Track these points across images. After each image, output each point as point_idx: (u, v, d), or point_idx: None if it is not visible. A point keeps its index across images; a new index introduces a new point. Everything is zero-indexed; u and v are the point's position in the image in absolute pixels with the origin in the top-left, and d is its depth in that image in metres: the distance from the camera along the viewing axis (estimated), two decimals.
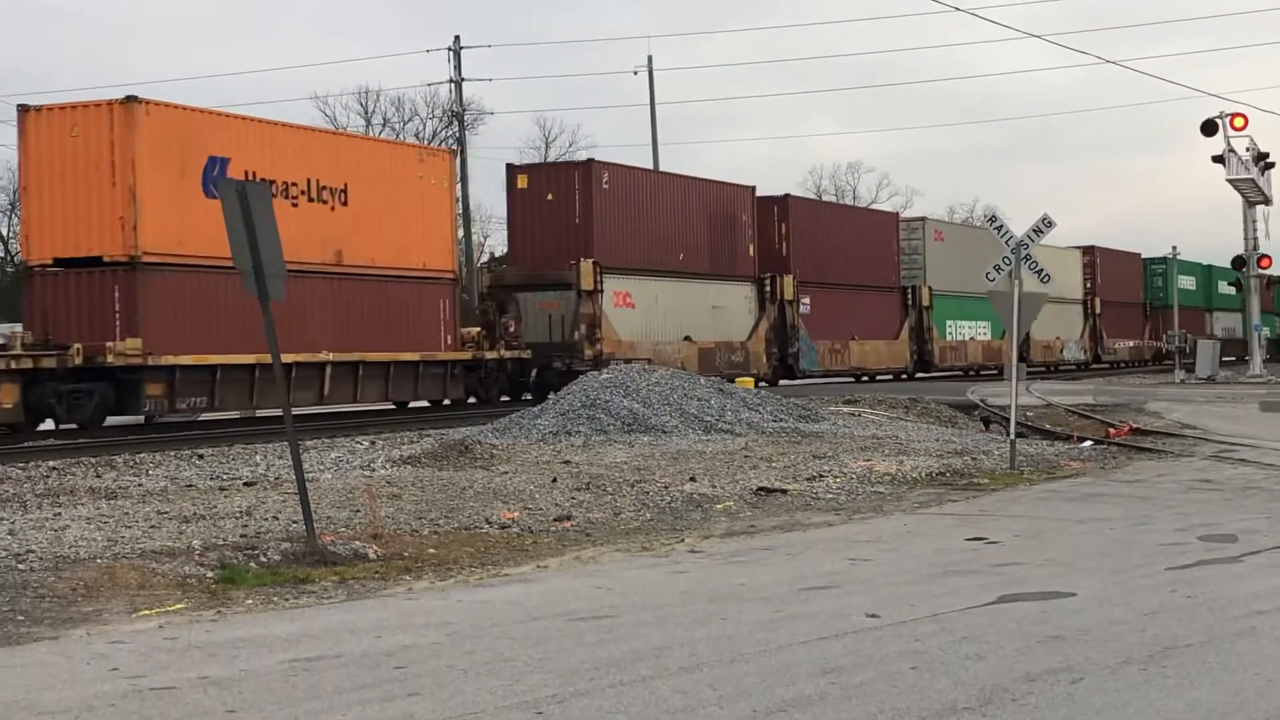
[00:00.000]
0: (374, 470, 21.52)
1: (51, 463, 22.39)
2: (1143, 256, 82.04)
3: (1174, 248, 71.08)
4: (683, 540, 15.39)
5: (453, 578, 13.15)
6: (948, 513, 17.63)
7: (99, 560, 13.22)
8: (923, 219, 64.54)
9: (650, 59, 69.74)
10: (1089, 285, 75.56)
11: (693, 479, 20.00)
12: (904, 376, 57.38)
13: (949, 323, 61.80)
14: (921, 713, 7.97)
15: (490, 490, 18.74)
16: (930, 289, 59.30)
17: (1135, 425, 30.42)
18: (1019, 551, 14.17)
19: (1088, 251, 76.31)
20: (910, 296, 57.54)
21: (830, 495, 19.18)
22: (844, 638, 9.98)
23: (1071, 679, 8.67)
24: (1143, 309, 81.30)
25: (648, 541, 15.31)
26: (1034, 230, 24.14)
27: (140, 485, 19.80)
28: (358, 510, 16.38)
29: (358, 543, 14.34)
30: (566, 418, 26.31)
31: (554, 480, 19.66)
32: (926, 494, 19.49)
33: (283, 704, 8.36)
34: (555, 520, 16.62)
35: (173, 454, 24.10)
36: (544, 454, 23.17)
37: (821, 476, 20.68)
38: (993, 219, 26.21)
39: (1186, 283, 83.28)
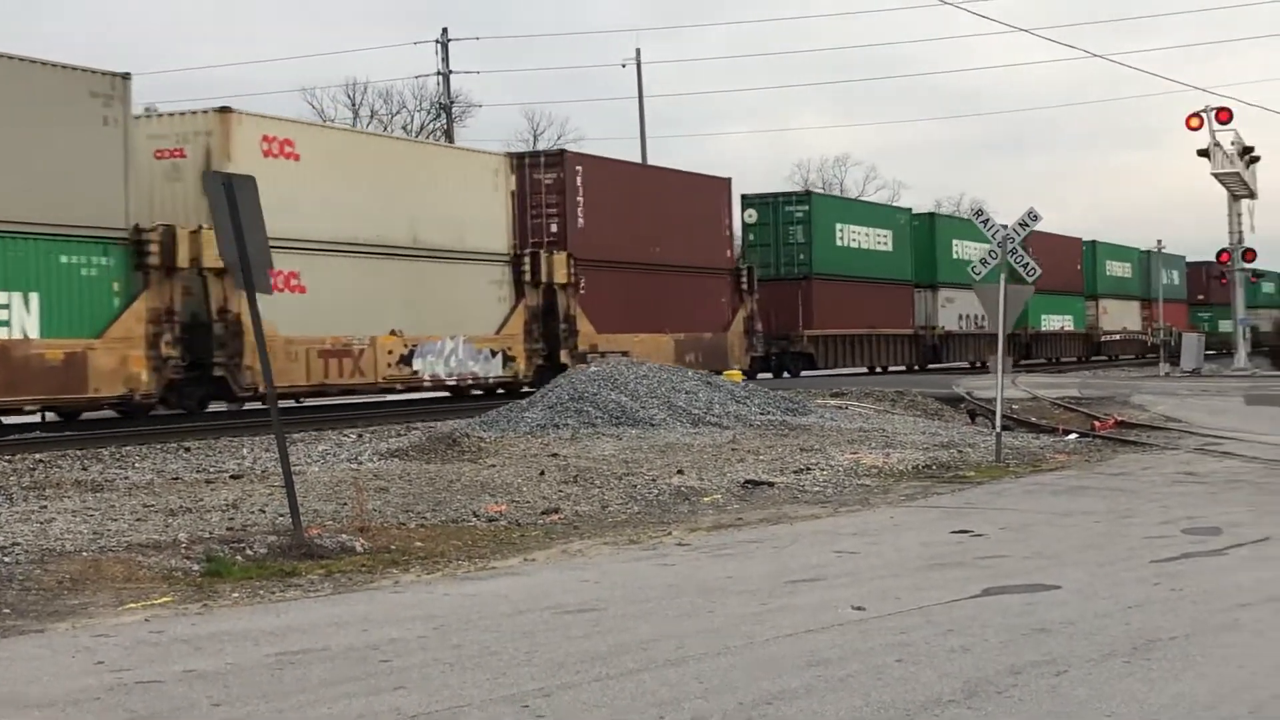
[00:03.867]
0: (361, 463, 21.53)
1: (38, 455, 22.36)
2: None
3: (1159, 241, 71.48)
4: (670, 533, 15.40)
5: (440, 571, 13.15)
6: (934, 505, 17.67)
7: (85, 553, 13.22)
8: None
9: (639, 52, 69.50)
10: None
11: (680, 472, 20.02)
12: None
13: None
14: (907, 705, 7.99)
15: (478, 483, 18.74)
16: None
17: (1120, 418, 30.48)
18: (1004, 544, 14.20)
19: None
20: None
21: (817, 488, 19.21)
22: (830, 630, 10.00)
23: (1056, 672, 8.70)
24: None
25: (635, 534, 15.32)
26: (1020, 224, 24.17)
27: (126, 478, 19.79)
28: (344, 503, 16.38)
29: (344, 536, 14.34)
30: (554, 411, 26.33)
31: (541, 473, 19.67)
32: (913, 487, 19.52)
33: (268, 697, 8.37)
34: (543, 513, 16.63)
35: (159, 447, 24.07)
36: (532, 447, 23.19)
37: (808, 469, 20.71)
38: (979, 212, 26.22)
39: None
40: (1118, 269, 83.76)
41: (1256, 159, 59.02)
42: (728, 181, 46.79)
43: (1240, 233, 58.76)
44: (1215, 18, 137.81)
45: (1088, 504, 17.45)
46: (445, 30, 71.97)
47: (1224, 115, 54.60)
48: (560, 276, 37.86)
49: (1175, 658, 9.07)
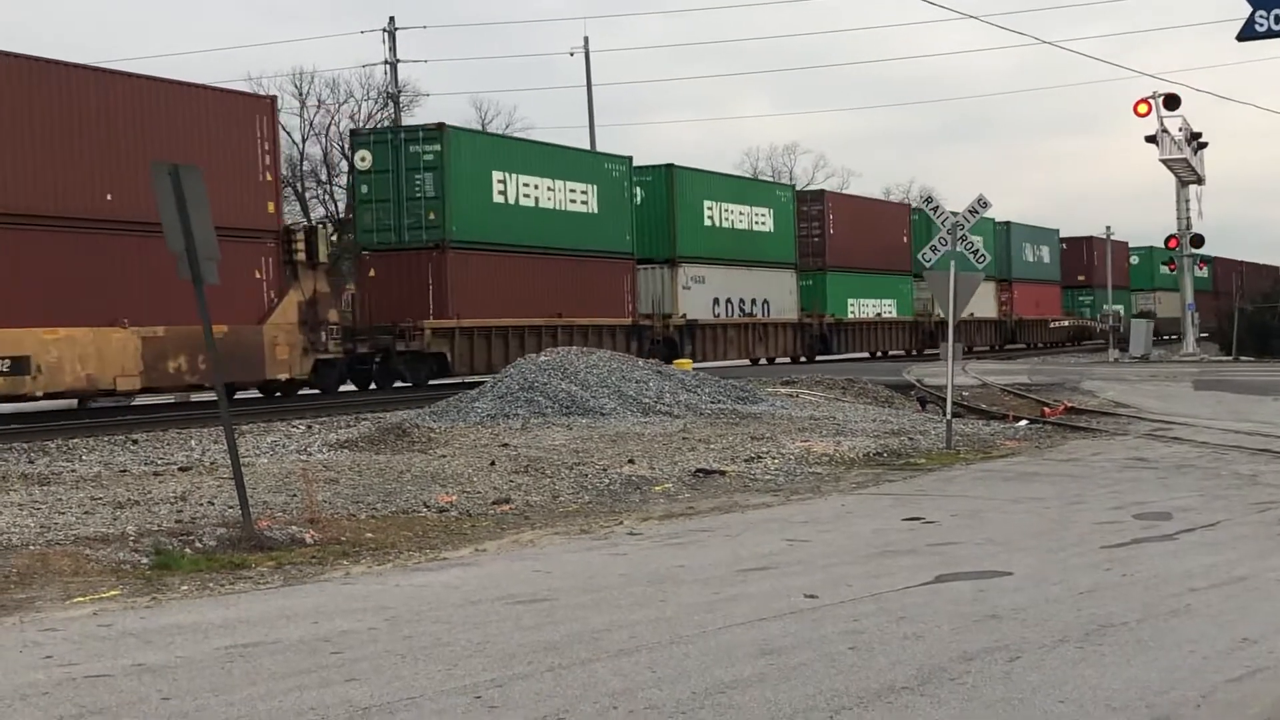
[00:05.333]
0: (310, 455, 21.42)
1: None
2: (911, 208, 68.28)
3: (1108, 228, 71.37)
4: (621, 523, 15.38)
5: (390, 562, 13.09)
6: (885, 493, 17.70)
7: (31, 547, 13.09)
8: None
9: (586, 40, 69.38)
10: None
11: (631, 461, 20.00)
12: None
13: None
14: (860, 693, 7.99)
15: (428, 474, 18.68)
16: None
17: (1070, 404, 30.63)
18: (956, 531, 14.24)
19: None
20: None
21: (768, 476, 19.21)
22: (783, 619, 9.99)
23: (1008, 658, 8.71)
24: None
25: (586, 524, 15.30)
26: (970, 211, 24.25)
27: (74, 471, 19.63)
28: (294, 495, 16.30)
29: (294, 527, 14.26)
30: (505, 400, 26.27)
31: (492, 463, 19.62)
32: (864, 474, 19.55)
33: (219, 691, 8.30)
34: (493, 503, 16.58)
35: (106, 439, 23.92)
36: (482, 437, 23.12)
37: (760, 458, 20.72)
38: (929, 200, 26.32)
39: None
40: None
41: (1204, 145, 59.41)
42: (266, 101, 34.01)
43: (1188, 218, 59.17)
44: (1165, 3, 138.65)
45: (1038, 490, 17.51)
46: (392, 19, 71.68)
47: (1173, 102, 54.87)
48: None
49: (1127, 643, 9.10)
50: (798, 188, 65.43)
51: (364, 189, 39.26)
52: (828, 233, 59.07)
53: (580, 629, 9.79)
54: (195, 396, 34.31)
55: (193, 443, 23.41)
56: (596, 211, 44.35)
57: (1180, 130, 56.22)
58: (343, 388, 37.33)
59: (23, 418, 28.58)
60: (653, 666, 8.65)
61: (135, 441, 23.55)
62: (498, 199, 40.26)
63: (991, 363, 53.18)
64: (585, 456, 20.46)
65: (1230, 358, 54.74)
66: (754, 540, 13.91)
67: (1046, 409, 29.92)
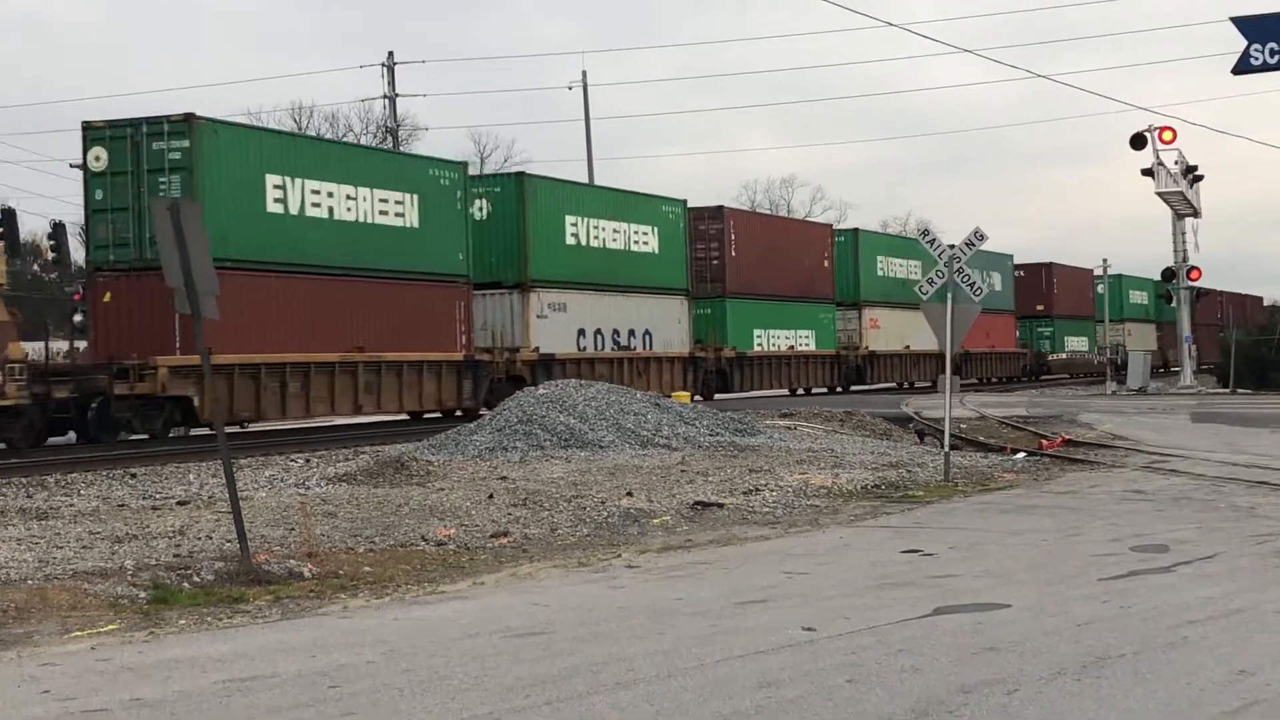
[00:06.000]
0: (309, 488, 21.41)
1: None
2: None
3: (1104, 260, 71.40)
4: (620, 555, 15.37)
5: (389, 595, 13.08)
6: (883, 525, 17.69)
7: (30, 582, 13.09)
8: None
9: (585, 74, 69.50)
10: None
11: (629, 494, 19.99)
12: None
13: None
14: None
15: (426, 507, 18.67)
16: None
17: (1068, 437, 30.63)
18: (954, 563, 14.23)
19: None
20: None
21: (767, 509, 19.20)
22: (781, 651, 9.99)
23: (1006, 690, 8.71)
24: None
25: (585, 557, 15.28)
26: (966, 243, 24.28)
27: (72, 505, 19.62)
28: (292, 529, 16.29)
29: (292, 561, 14.26)
30: (503, 434, 26.28)
31: (491, 496, 19.61)
32: (862, 507, 19.54)
33: None
34: (492, 536, 16.57)
35: (105, 473, 23.91)
36: (480, 470, 23.13)
37: (758, 490, 20.71)
38: (925, 232, 26.35)
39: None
40: (897, 268, 65.81)
41: (1200, 178, 59.48)
42: None
43: (1184, 251, 59.20)
44: (1160, 37, 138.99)
45: (1036, 522, 17.50)
46: (391, 54, 71.82)
47: (1168, 135, 54.95)
48: None
49: (1125, 675, 9.10)
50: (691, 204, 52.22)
51: (98, 194, 32.30)
52: (729, 255, 52.60)
53: (578, 662, 9.79)
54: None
55: (190, 477, 23.41)
56: (417, 226, 37.30)
57: (1176, 163, 56.29)
58: (54, 440, 30.73)
59: (20, 453, 28.54)
60: (651, 700, 8.65)
61: (134, 476, 23.55)
62: (274, 208, 33.37)
63: (989, 395, 53.13)
64: (583, 489, 20.46)
65: (1228, 390, 54.73)
66: (752, 573, 13.90)
67: (1044, 441, 29.93)
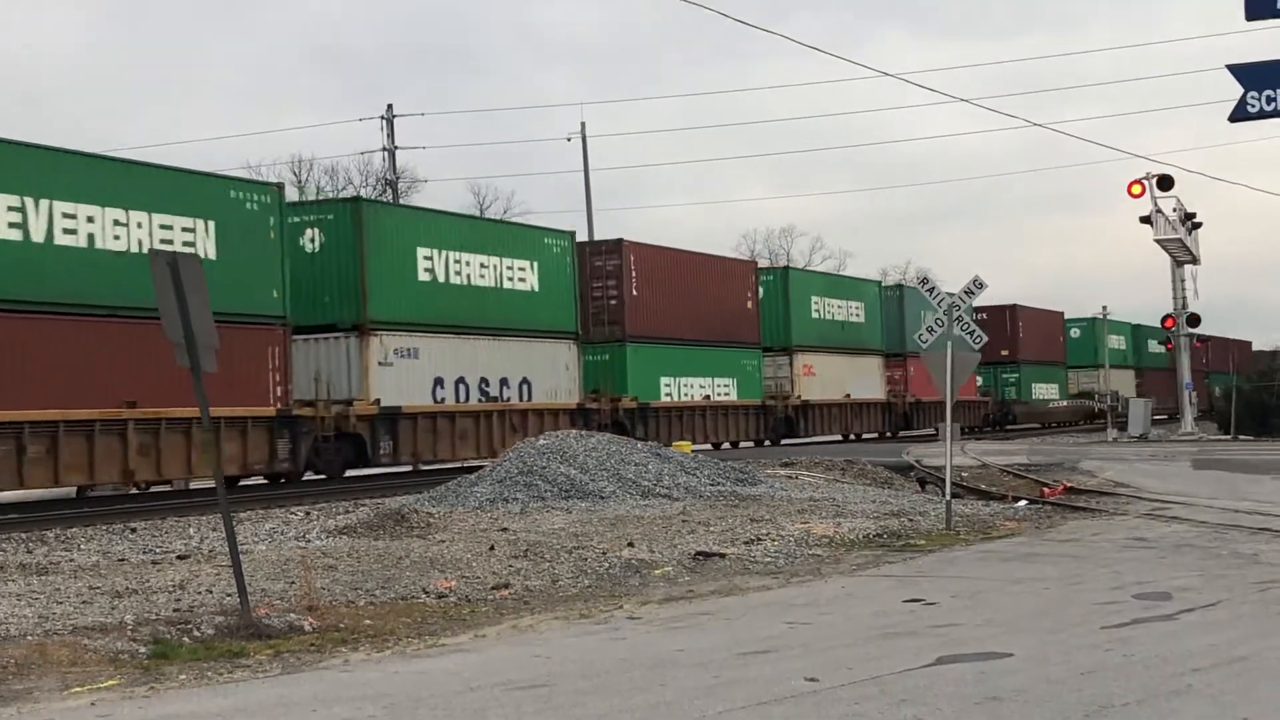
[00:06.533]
0: (309, 541, 21.37)
1: None
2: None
3: (1104, 307, 71.31)
4: (621, 606, 15.33)
5: (389, 649, 13.04)
6: (885, 574, 17.65)
7: (30, 637, 13.05)
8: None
9: (583, 125, 69.63)
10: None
11: (631, 544, 19.96)
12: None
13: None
14: None
15: (427, 559, 18.63)
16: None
17: (1069, 484, 30.59)
18: (957, 612, 14.19)
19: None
20: None
21: (768, 559, 19.17)
22: (783, 702, 9.96)
23: None
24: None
25: (586, 608, 15.25)
26: (965, 291, 24.33)
27: (72, 560, 19.59)
28: (293, 582, 16.26)
29: (293, 615, 14.22)
30: (504, 485, 26.27)
31: (491, 548, 19.58)
32: (864, 556, 19.50)
33: None
34: (493, 588, 16.54)
35: (104, 528, 23.88)
36: (481, 521, 23.09)
37: (759, 540, 20.67)
38: (924, 281, 26.41)
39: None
40: (836, 309, 60.26)
41: (1198, 225, 59.61)
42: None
43: (1184, 298, 59.32)
44: (1156, 85, 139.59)
45: (1039, 570, 17.47)
46: (390, 106, 72.05)
47: (1166, 183, 55.08)
48: None
49: None
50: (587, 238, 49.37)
51: None
52: (629, 294, 46.52)
53: (580, 714, 9.75)
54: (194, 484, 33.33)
55: (191, 530, 23.37)
56: (215, 258, 30.27)
57: (1174, 211, 56.42)
58: None
59: (21, 507, 28.51)
60: None
61: (133, 530, 23.51)
62: (9, 235, 26.87)
63: (990, 443, 53.06)
64: (584, 540, 20.42)
65: (1229, 436, 54.73)
66: (754, 623, 13.87)
67: (1046, 489, 29.89)
